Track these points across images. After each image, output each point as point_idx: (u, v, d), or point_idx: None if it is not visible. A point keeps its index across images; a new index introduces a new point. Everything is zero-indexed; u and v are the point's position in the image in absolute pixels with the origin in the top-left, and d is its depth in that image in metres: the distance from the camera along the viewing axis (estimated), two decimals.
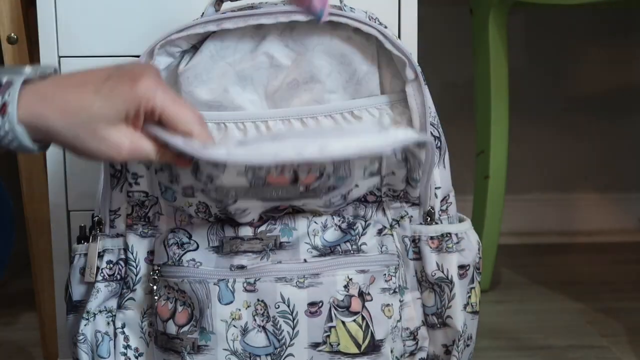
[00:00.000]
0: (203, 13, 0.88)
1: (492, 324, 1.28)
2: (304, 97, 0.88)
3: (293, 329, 0.80)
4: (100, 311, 0.85)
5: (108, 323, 0.85)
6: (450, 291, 0.85)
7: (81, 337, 0.84)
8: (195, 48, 0.88)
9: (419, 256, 0.86)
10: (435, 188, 0.86)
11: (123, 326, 0.85)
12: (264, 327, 0.80)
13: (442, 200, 0.87)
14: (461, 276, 0.85)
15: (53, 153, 1.02)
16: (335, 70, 0.88)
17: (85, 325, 0.85)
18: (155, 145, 0.72)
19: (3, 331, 1.30)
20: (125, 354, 0.85)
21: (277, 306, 0.80)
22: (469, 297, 0.86)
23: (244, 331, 0.80)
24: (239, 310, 0.80)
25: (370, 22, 0.86)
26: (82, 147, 0.69)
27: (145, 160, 0.73)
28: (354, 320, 0.81)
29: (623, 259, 1.68)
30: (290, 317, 0.80)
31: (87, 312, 0.84)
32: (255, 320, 0.80)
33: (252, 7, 0.86)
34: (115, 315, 0.85)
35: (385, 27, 0.87)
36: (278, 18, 0.85)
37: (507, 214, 1.60)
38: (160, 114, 0.70)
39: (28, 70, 0.71)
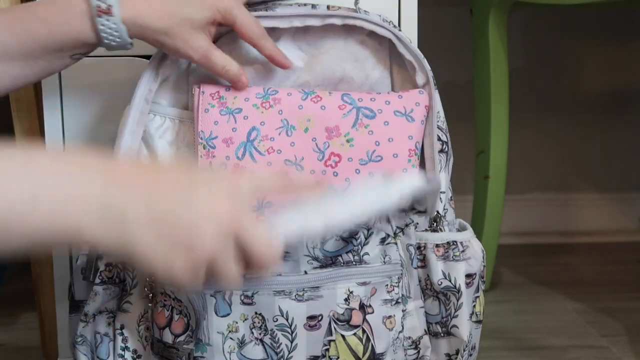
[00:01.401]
0: None
1: (492, 324, 1.28)
2: None
3: (291, 342, 0.79)
4: (100, 312, 0.85)
5: (109, 324, 0.85)
6: (457, 300, 0.84)
7: (80, 338, 0.84)
8: None
9: (424, 264, 0.85)
10: (440, 192, 0.86)
11: (122, 327, 0.85)
12: (261, 340, 0.79)
13: (443, 207, 0.87)
14: (468, 285, 0.84)
15: None
16: (348, 75, 0.89)
17: (83, 327, 0.84)
18: (225, 58, 0.86)
19: (3, 331, 1.30)
20: (122, 356, 0.84)
21: (275, 319, 0.79)
22: (474, 306, 0.85)
23: (241, 343, 0.79)
24: (236, 322, 0.79)
25: (385, 24, 0.87)
26: (169, 43, 0.84)
27: (212, 67, 0.86)
28: (354, 334, 0.80)
29: (623, 259, 1.68)
30: (289, 330, 0.79)
31: (85, 314, 0.84)
32: (252, 332, 0.79)
33: (266, 8, 0.88)
34: (115, 316, 0.85)
35: (400, 30, 0.89)
36: (292, 22, 0.87)
37: (507, 214, 1.60)
38: (234, 23, 0.85)
39: None
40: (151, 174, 0.62)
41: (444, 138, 0.87)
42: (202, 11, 0.83)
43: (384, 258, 0.82)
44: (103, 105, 1.01)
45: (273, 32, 0.88)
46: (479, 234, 1.43)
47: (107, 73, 1.01)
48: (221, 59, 0.86)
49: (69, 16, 0.82)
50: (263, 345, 0.79)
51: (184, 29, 0.83)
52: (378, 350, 0.81)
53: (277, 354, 0.79)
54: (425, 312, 0.85)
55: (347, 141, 0.86)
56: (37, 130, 1.10)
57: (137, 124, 0.87)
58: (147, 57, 0.96)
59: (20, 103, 1.10)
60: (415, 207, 0.85)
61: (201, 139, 0.86)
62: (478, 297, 0.86)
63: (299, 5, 0.88)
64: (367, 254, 0.82)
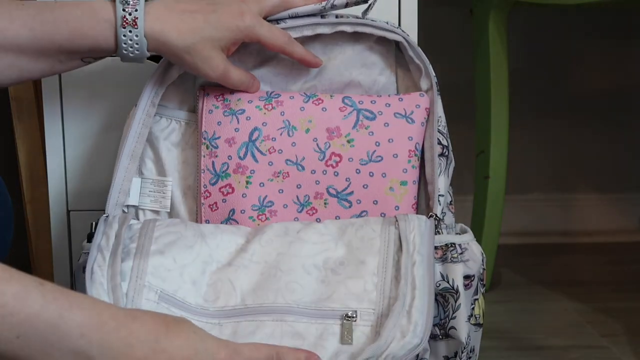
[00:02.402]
0: None
1: (492, 324, 1.28)
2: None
3: None
4: None
5: None
6: (455, 301, 0.83)
7: None
8: None
9: None
10: (439, 195, 0.86)
11: None
12: None
13: (441, 211, 0.87)
14: (466, 287, 0.84)
15: (53, 153, 1.02)
16: (355, 80, 0.90)
17: None
18: (241, 75, 0.88)
19: None
20: None
21: None
22: (473, 308, 0.85)
23: None
24: None
25: (394, 28, 0.90)
26: (189, 61, 0.84)
27: (229, 84, 0.88)
28: None
29: (623, 259, 1.68)
30: None
31: None
32: None
33: (277, 21, 0.89)
34: None
35: (408, 35, 0.91)
36: (303, 31, 0.89)
37: (507, 214, 1.60)
38: (258, 41, 0.86)
39: None
40: None
41: (444, 142, 0.88)
42: (223, 32, 0.84)
43: None
44: (104, 106, 1.02)
45: None
46: (479, 234, 1.43)
47: (109, 73, 1.01)
48: (237, 75, 0.87)
49: (92, 22, 0.83)
50: None
51: (205, 48, 0.84)
52: None
53: None
54: None
55: (348, 141, 0.87)
56: (37, 130, 1.10)
57: (142, 125, 0.88)
58: (151, 58, 0.96)
59: (20, 103, 1.10)
60: None
61: (204, 139, 0.87)
62: (477, 299, 0.85)
63: (308, 16, 0.90)
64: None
